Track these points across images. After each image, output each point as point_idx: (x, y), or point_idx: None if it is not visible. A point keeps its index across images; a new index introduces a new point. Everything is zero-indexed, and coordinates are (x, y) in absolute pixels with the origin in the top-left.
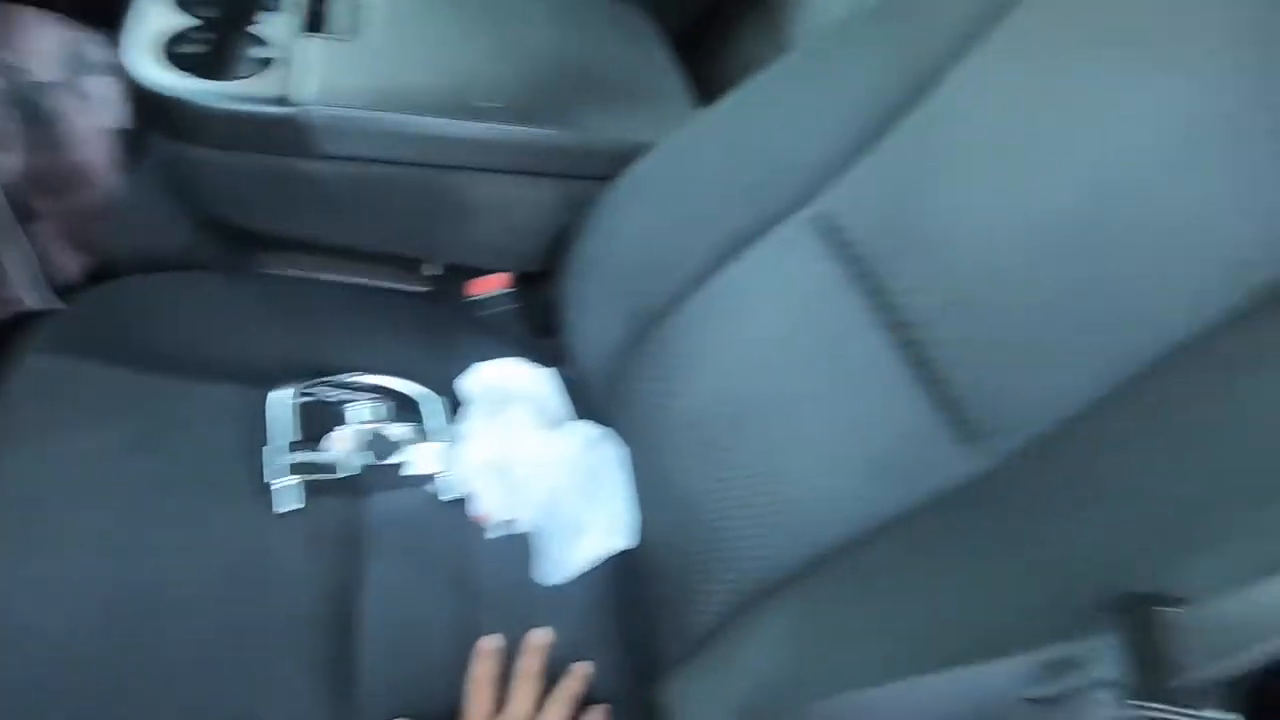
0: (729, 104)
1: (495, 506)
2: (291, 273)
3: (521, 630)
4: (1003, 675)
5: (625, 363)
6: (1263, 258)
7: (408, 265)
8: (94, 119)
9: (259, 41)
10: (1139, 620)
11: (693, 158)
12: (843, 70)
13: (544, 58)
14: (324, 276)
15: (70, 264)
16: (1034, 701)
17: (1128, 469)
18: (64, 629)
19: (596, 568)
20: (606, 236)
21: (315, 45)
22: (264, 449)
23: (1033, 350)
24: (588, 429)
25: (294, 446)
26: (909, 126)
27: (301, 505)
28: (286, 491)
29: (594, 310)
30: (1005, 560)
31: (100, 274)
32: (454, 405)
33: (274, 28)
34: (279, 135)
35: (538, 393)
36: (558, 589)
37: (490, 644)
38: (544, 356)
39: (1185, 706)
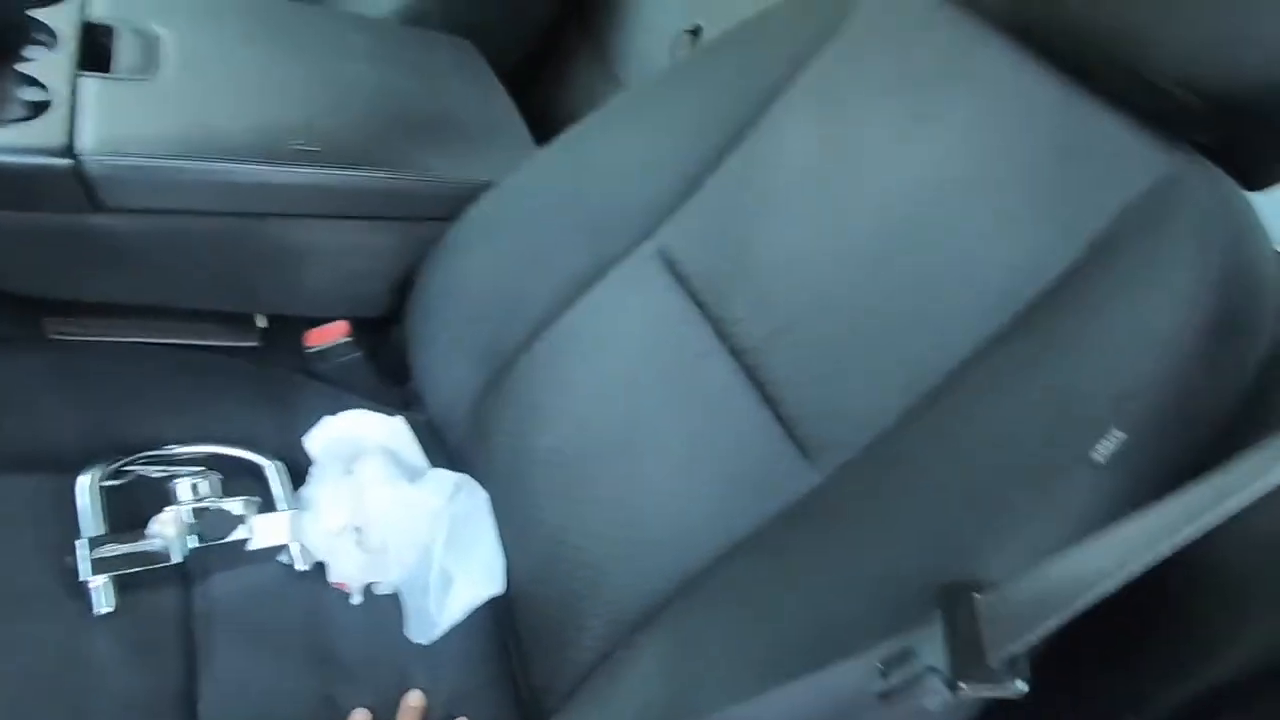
0: (565, 142)
1: (356, 571)
2: (89, 338)
3: (396, 696)
4: (851, 674)
5: (480, 404)
6: (1020, 287)
7: (233, 320)
8: None
9: (29, 82)
10: (955, 608)
11: (533, 196)
12: (672, 111)
13: (367, 96)
14: (130, 339)
15: None
16: (883, 696)
17: (935, 472)
18: None
19: (470, 618)
20: (452, 278)
21: (98, 86)
22: (77, 543)
23: (847, 371)
24: (446, 477)
25: (108, 537)
26: (731, 165)
27: (113, 606)
28: (100, 591)
29: (444, 353)
30: (846, 566)
31: None
32: (302, 467)
33: (47, 67)
34: (59, 189)
35: (390, 443)
36: (431, 646)
37: (361, 716)
38: (393, 404)
39: (996, 682)
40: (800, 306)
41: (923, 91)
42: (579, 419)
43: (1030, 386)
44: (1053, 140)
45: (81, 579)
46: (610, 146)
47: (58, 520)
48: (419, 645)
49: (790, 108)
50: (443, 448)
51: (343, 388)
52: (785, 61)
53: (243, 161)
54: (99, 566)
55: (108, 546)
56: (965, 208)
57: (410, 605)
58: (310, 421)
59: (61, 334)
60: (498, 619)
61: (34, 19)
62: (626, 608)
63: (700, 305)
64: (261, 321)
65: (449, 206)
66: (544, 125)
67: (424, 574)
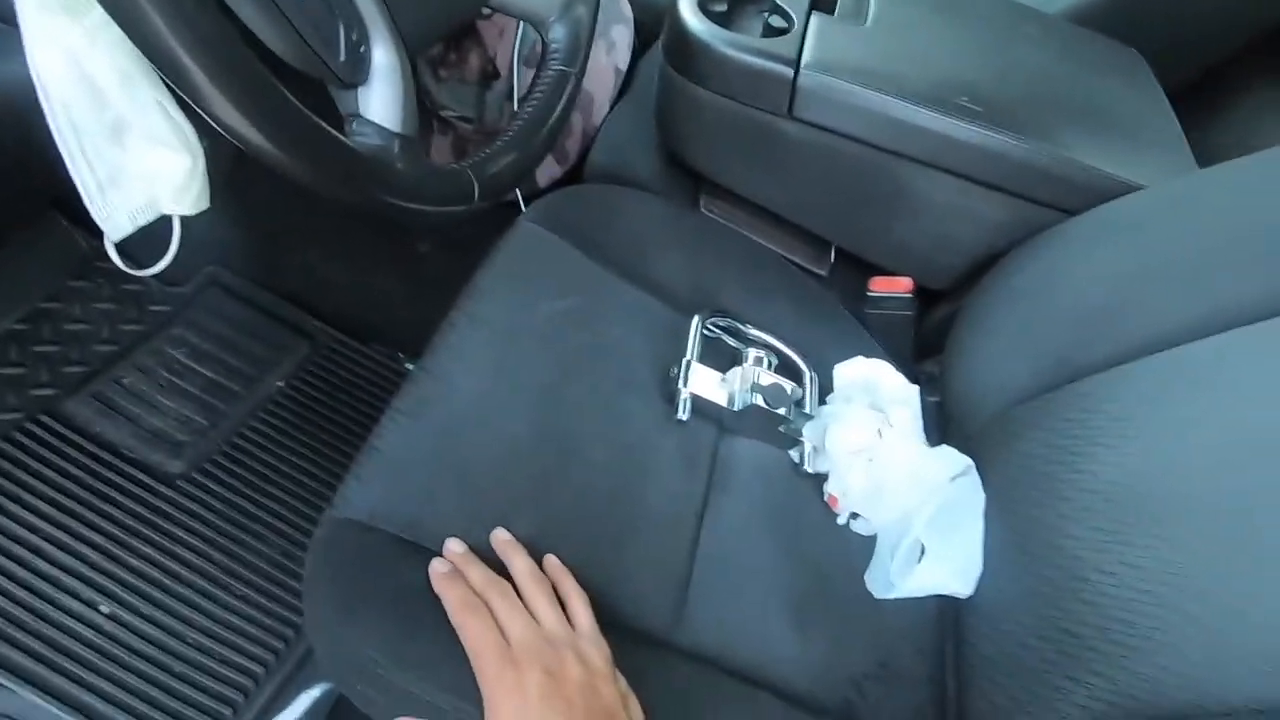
0: (1259, 162)
1: (850, 494)
2: (722, 221)
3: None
4: None
5: (1019, 406)
6: None
7: (816, 247)
8: (608, 59)
9: (777, 11)
10: None
11: (1193, 211)
12: None
13: (1030, 75)
14: (746, 233)
15: (547, 169)
16: None
17: None
18: (511, 436)
19: (922, 602)
20: (1047, 271)
21: (822, 22)
22: (681, 360)
23: None
24: (957, 457)
25: (693, 368)
26: None
27: (687, 417)
28: (685, 402)
29: (1003, 343)
30: None
31: (562, 181)
32: (823, 388)
33: (792, 3)
34: (769, 91)
35: (909, 404)
36: (879, 603)
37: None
38: (908, 375)
39: None
40: None
41: None
42: (1158, 465)
43: None
44: None
45: (677, 387)
46: None
47: (669, 341)
48: (867, 594)
49: None
50: (948, 432)
51: (880, 338)
52: None
53: (912, 102)
54: (689, 383)
55: (695, 373)
56: None
57: (878, 556)
58: (845, 353)
59: (709, 210)
60: (946, 619)
61: None
62: (1161, 686)
63: None
64: (831, 256)
65: (1077, 197)
66: (1201, 149)
67: (899, 536)
